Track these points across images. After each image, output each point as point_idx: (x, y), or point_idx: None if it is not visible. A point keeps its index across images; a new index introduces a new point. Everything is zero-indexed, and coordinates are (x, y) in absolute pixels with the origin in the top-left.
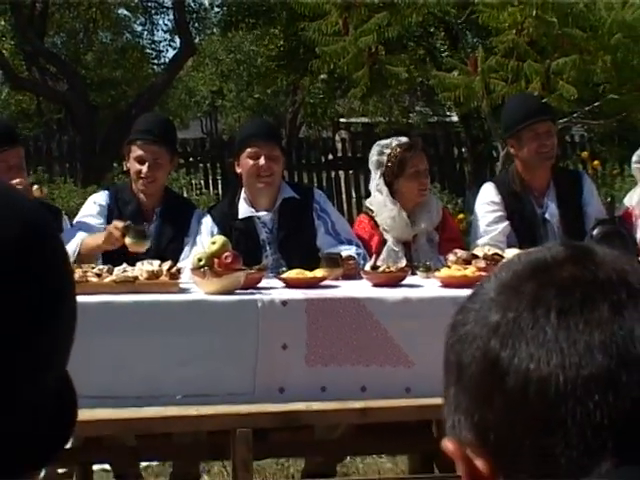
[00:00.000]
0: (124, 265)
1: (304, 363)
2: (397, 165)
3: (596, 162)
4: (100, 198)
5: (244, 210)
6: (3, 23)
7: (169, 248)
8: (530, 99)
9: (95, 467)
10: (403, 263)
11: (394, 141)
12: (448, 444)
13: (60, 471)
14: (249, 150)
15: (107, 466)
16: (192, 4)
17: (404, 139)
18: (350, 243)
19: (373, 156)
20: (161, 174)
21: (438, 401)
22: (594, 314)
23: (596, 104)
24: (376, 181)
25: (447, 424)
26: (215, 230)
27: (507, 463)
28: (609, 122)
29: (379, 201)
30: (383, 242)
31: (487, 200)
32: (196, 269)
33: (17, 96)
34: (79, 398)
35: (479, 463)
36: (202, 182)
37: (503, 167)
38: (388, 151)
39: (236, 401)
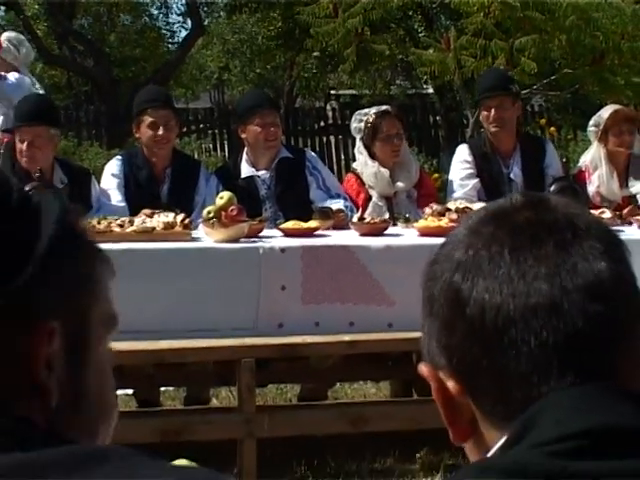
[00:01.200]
0: (143, 217)
1: (300, 302)
2: (372, 130)
3: (552, 128)
4: (116, 168)
5: (246, 170)
6: (37, 7)
7: (181, 204)
8: (492, 74)
9: (119, 392)
10: (386, 216)
11: (371, 110)
12: (423, 367)
13: None
14: (257, 119)
15: (130, 391)
16: None
17: (383, 107)
18: (339, 197)
19: (353, 123)
20: (172, 135)
21: (417, 335)
22: (541, 251)
23: (553, 77)
24: (357, 144)
25: (423, 351)
26: (220, 188)
27: (470, 383)
28: (564, 93)
29: (361, 161)
30: (369, 198)
31: (461, 159)
32: (206, 221)
33: (50, 71)
34: None
35: (450, 384)
36: (211, 146)
37: (472, 133)
38: (365, 118)
39: (241, 335)
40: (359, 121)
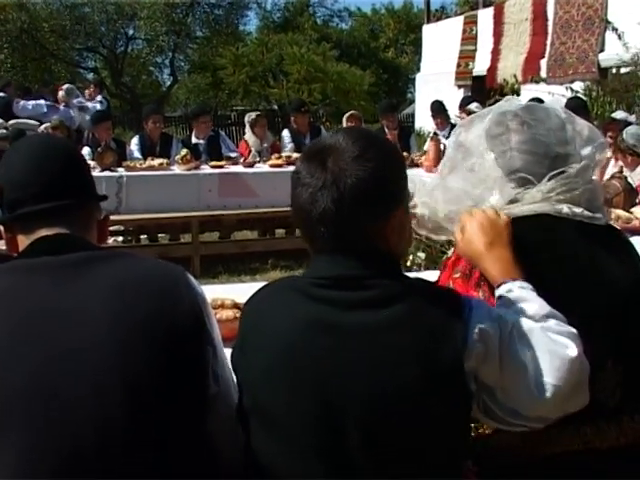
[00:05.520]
0: (149, 160)
1: (217, 196)
2: (254, 122)
3: (328, 124)
4: (137, 140)
5: (194, 140)
6: (106, 73)
7: (165, 155)
8: (296, 101)
9: (142, 237)
10: (257, 159)
11: (254, 113)
12: None
13: (113, 241)
14: (200, 119)
15: (145, 236)
16: (176, 66)
17: (258, 113)
18: (235, 152)
19: (246, 118)
20: (162, 126)
21: (268, 210)
22: (317, 169)
23: (327, 101)
24: (247, 128)
25: None
26: (182, 147)
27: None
28: (332, 108)
29: (248, 135)
30: (250, 151)
31: (285, 135)
32: (176, 162)
33: (113, 100)
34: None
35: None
36: (182, 131)
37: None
38: (252, 117)
39: (192, 210)
40: (249, 117)
